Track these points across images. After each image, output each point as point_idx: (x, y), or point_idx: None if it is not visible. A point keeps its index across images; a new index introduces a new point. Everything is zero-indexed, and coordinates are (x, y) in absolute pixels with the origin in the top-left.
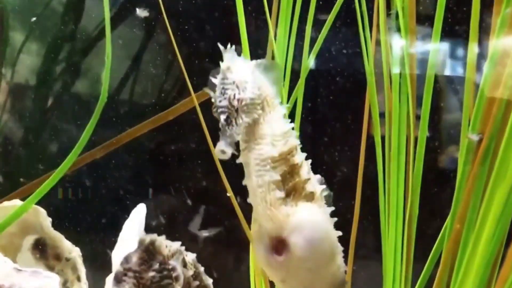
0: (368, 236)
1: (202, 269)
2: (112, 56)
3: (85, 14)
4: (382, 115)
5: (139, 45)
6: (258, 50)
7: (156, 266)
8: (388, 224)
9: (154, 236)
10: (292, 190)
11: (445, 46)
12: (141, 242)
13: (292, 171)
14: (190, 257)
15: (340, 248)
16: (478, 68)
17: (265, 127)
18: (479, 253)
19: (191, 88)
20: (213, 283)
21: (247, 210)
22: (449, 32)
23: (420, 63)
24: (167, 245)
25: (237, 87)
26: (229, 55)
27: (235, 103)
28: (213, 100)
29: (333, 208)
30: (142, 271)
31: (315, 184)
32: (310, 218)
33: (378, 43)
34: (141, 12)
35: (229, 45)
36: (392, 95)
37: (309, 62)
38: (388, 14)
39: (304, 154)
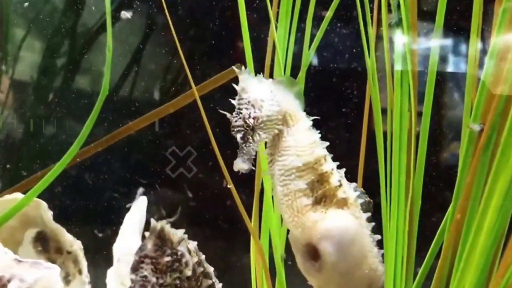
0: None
1: (203, 257)
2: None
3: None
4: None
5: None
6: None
7: (169, 251)
8: (389, 216)
9: (163, 222)
10: (323, 197)
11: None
12: (153, 229)
13: (322, 179)
14: (192, 245)
15: (375, 251)
16: (480, 63)
17: (289, 139)
18: (480, 243)
19: (192, 81)
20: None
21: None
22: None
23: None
24: (173, 233)
25: (253, 106)
26: (244, 76)
27: (251, 121)
28: (230, 120)
29: (369, 214)
30: (158, 257)
31: (347, 191)
32: (337, 225)
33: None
34: (124, 15)
35: (243, 67)
36: (393, 90)
37: (310, 55)
38: (389, 9)
39: (335, 163)
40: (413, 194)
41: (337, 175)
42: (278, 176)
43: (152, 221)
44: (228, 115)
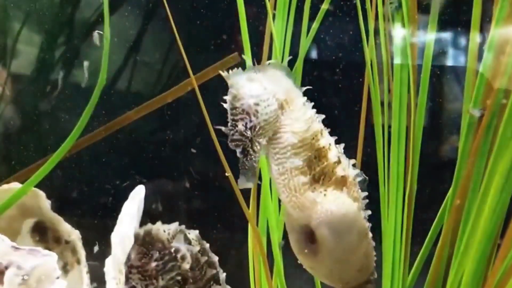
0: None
1: (207, 245)
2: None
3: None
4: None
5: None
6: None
7: (156, 255)
8: (387, 205)
9: (148, 226)
10: (321, 175)
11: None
12: (136, 237)
13: (319, 155)
14: (193, 233)
15: (369, 236)
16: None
17: (283, 119)
18: (480, 227)
19: (190, 70)
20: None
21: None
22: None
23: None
24: (165, 230)
25: (248, 114)
26: (233, 80)
27: (248, 133)
28: (225, 132)
29: (366, 193)
30: (144, 265)
31: (347, 168)
32: (337, 210)
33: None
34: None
35: (231, 70)
36: (392, 83)
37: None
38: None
39: (333, 138)
40: (411, 183)
41: (335, 151)
42: (272, 155)
43: (136, 229)
44: (224, 129)
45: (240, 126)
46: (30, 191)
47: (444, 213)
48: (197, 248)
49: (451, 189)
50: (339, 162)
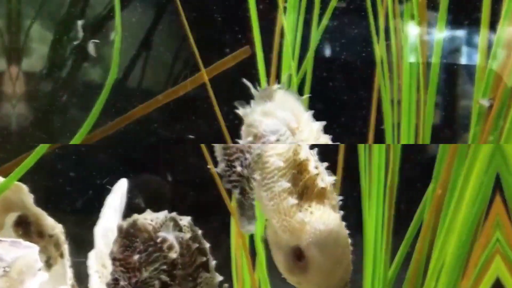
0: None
1: (199, 232)
2: None
3: None
4: None
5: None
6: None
7: (140, 247)
8: (369, 196)
9: (133, 217)
10: (304, 189)
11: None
12: (119, 230)
13: (301, 169)
14: (186, 220)
15: (349, 241)
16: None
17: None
18: (462, 213)
19: (201, 63)
20: None
21: None
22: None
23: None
24: (152, 219)
25: (241, 151)
26: (251, 118)
27: (245, 172)
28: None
29: (341, 197)
30: (127, 257)
31: (324, 177)
32: (325, 228)
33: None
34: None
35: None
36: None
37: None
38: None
39: (307, 145)
40: (392, 177)
41: (313, 160)
42: (259, 181)
43: (118, 221)
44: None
45: (238, 166)
46: (13, 185)
47: (424, 206)
48: (189, 235)
49: (433, 178)
50: (318, 174)
